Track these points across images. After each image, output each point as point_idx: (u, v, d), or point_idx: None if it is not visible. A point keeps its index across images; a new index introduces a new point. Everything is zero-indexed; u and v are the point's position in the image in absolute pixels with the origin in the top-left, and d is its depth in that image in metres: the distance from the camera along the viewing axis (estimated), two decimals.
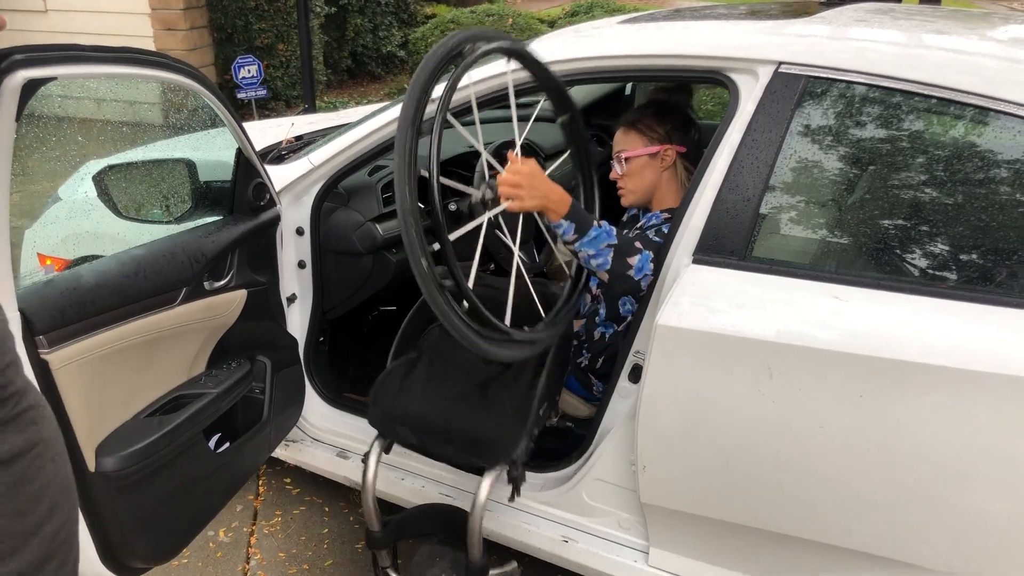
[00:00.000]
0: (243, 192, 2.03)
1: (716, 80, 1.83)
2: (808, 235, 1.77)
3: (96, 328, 1.55)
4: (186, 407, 1.78)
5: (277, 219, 2.15)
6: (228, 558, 2.49)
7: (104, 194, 2.03)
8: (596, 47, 1.97)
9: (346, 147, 2.24)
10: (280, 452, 2.50)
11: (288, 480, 2.88)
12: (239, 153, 1.98)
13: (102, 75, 1.40)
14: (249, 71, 6.83)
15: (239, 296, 1.98)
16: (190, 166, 2.05)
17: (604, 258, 1.87)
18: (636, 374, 1.92)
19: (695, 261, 1.75)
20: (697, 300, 1.68)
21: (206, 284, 1.88)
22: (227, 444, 1.97)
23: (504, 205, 1.75)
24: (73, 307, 1.49)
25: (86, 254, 2.55)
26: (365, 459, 2.02)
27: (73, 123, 7.62)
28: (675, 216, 1.83)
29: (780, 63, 1.74)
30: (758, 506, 1.75)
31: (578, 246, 1.88)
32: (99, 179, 2.02)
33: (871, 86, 1.68)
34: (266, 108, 8.25)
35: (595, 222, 1.87)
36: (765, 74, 1.75)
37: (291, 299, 2.38)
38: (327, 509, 2.72)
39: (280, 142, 2.72)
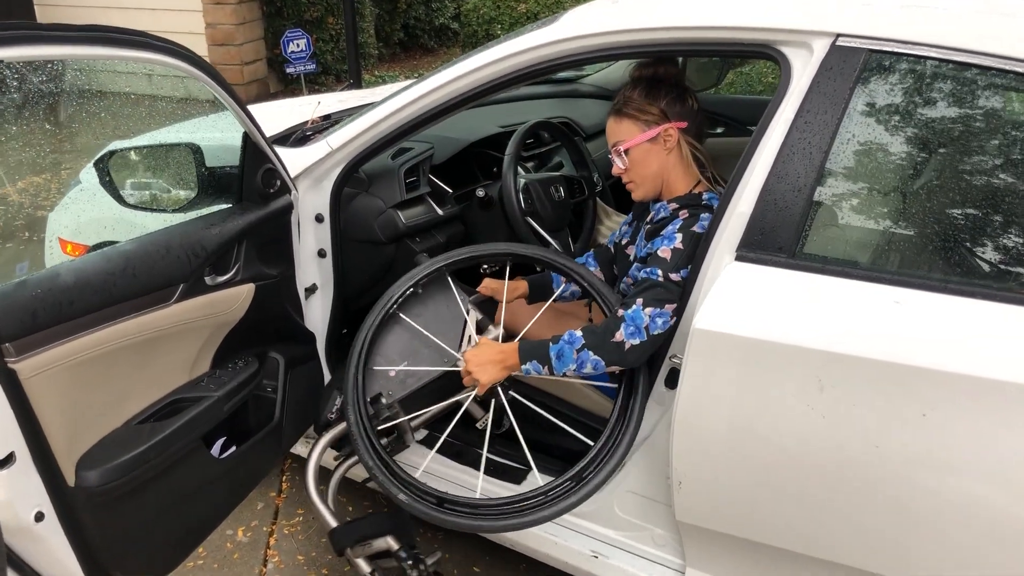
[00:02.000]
0: (251, 179, 1.89)
1: (765, 55, 1.64)
2: (866, 231, 1.58)
3: (75, 332, 1.42)
4: (183, 412, 1.66)
5: (290, 207, 2.01)
6: (244, 560, 2.39)
7: (106, 180, 1.92)
8: (632, 19, 1.78)
9: (366, 128, 2.10)
10: (300, 449, 2.39)
11: None
12: (246, 137, 1.84)
13: (64, 57, 1.26)
14: (298, 45, 6.75)
15: (246, 291, 1.85)
16: (196, 151, 1.92)
17: (588, 361, 1.73)
18: (673, 379, 1.75)
19: (738, 258, 1.58)
20: (739, 302, 1.52)
21: (207, 279, 1.75)
22: (233, 448, 1.85)
23: (471, 389, 1.89)
24: (47, 310, 1.37)
25: (105, 240, 2.46)
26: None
27: (126, 100, 7.64)
28: (716, 209, 1.65)
29: (838, 35, 1.55)
30: (805, 531, 1.59)
31: (558, 373, 1.77)
32: (101, 165, 1.91)
33: (943, 60, 1.48)
34: (315, 83, 8.16)
35: (548, 343, 1.78)
36: (821, 48, 1.56)
37: (311, 290, 2.25)
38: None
39: (305, 122, 2.59)
